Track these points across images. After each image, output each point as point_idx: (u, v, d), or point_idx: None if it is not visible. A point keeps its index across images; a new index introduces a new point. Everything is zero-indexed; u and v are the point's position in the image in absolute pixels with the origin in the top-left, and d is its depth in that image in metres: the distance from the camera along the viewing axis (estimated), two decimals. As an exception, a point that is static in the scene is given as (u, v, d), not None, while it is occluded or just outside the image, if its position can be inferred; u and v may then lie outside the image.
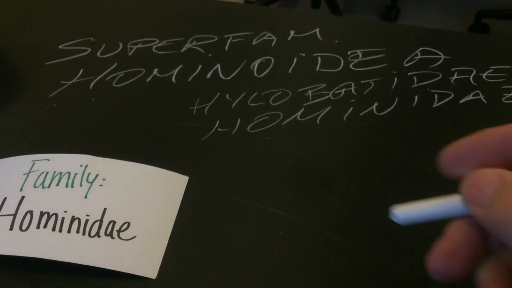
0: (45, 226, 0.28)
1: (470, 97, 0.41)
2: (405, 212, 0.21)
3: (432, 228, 0.20)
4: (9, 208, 0.29)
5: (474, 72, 0.43)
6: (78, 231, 0.28)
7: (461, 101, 0.40)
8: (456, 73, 0.43)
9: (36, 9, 0.51)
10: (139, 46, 0.46)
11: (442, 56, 0.45)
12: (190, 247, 0.29)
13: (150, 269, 0.28)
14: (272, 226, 0.30)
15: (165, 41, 0.46)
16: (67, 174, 0.31)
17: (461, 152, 0.19)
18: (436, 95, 0.41)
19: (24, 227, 0.28)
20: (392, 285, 0.28)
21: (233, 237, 0.30)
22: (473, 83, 0.42)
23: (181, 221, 0.30)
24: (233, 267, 0.28)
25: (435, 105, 0.40)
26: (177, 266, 0.28)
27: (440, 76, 0.43)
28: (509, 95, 0.41)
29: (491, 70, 0.43)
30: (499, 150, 0.18)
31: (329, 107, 0.39)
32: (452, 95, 0.41)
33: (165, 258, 0.28)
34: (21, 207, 0.29)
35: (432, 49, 0.46)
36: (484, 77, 0.43)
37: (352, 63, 0.44)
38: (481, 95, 0.41)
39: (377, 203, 0.32)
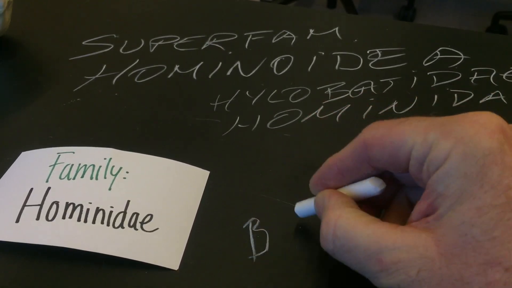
0: (70, 217, 0.29)
1: (490, 97, 0.41)
2: (300, 207, 0.30)
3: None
4: (35, 198, 0.30)
5: (494, 72, 0.43)
6: (102, 222, 0.29)
7: (481, 101, 0.40)
8: (476, 73, 0.43)
9: (60, 6, 0.52)
10: (160, 43, 0.46)
11: (462, 56, 0.45)
12: (211, 240, 0.29)
13: (172, 260, 0.28)
14: (292, 221, 0.30)
15: (186, 38, 0.47)
16: (92, 166, 0.32)
17: (315, 181, 0.28)
18: (456, 95, 0.41)
19: (50, 217, 0.29)
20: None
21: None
22: (494, 83, 0.42)
23: (202, 215, 0.31)
24: (253, 260, 0.28)
25: (454, 104, 0.40)
26: (199, 258, 0.28)
27: (460, 76, 0.43)
28: (530, 95, 0.41)
29: (512, 71, 0.43)
30: (337, 177, 0.27)
31: (349, 105, 0.40)
32: (472, 95, 0.41)
33: (187, 250, 0.29)
34: (47, 197, 0.30)
35: (452, 49, 0.46)
36: (504, 77, 0.43)
37: (372, 62, 0.45)
38: (501, 95, 0.41)
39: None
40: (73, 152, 0.33)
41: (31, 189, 0.31)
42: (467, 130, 0.21)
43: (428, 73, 0.43)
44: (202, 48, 0.46)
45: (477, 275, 0.19)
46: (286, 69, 0.44)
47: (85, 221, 0.29)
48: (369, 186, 0.25)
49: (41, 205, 0.30)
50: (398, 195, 0.27)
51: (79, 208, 0.30)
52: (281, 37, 0.48)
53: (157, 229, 0.29)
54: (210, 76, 0.42)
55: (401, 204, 0.27)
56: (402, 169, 0.24)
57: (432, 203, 0.22)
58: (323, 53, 0.46)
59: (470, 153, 0.20)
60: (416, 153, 0.22)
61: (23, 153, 0.34)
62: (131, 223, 0.29)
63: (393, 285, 0.21)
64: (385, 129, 0.24)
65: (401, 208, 0.27)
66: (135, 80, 0.42)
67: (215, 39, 0.47)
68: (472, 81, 0.43)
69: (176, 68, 0.43)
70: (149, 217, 0.30)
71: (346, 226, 0.23)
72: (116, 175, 0.32)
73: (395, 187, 0.27)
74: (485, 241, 0.19)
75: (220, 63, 0.44)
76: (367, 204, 0.27)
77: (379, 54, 0.46)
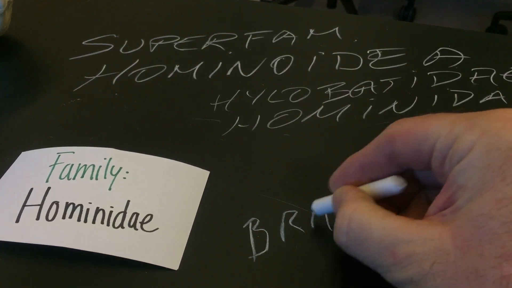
0: (70, 217, 0.29)
1: (490, 97, 0.41)
2: (317, 205, 0.29)
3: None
4: (35, 198, 0.30)
5: (495, 72, 0.43)
6: (102, 222, 0.29)
7: (481, 101, 0.40)
8: (476, 73, 0.43)
9: (60, 6, 0.52)
10: (160, 43, 0.46)
11: (462, 56, 0.45)
12: (211, 240, 0.29)
13: (172, 260, 0.28)
14: (292, 221, 0.30)
15: (186, 38, 0.47)
16: (92, 166, 0.32)
17: (335, 178, 0.28)
18: (456, 95, 0.41)
19: (50, 217, 0.29)
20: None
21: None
22: (494, 83, 0.42)
23: (202, 215, 0.31)
24: (253, 260, 0.28)
25: (455, 104, 0.40)
26: (198, 258, 0.28)
27: (460, 76, 0.43)
28: (530, 95, 0.41)
29: (512, 71, 0.43)
30: (358, 174, 0.26)
31: (349, 105, 0.40)
32: (472, 95, 0.41)
33: (187, 250, 0.29)
34: (47, 197, 0.30)
35: (452, 49, 0.46)
36: (504, 77, 0.43)
37: (372, 62, 0.45)
38: (501, 95, 0.41)
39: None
40: (73, 152, 0.33)
41: (31, 189, 0.31)
42: (493, 124, 0.21)
43: (428, 73, 0.43)
44: (202, 48, 0.46)
45: (492, 268, 0.19)
46: (286, 69, 0.44)
47: (85, 221, 0.29)
48: (390, 184, 0.25)
49: (41, 205, 0.30)
50: (418, 196, 0.27)
51: (79, 208, 0.30)
52: (281, 37, 0.48)
53: (157, 229, 0.29)
54: (210, 76, 0.42)
55: (421, 205, 0.27)
56: (425, 164, 0.23)
57: (451, 196, 0.21)
58: (323, 53, 0.46)
59: (494, 145, 0.20)
60: (440, 145, 0.22)
61: (23, 153, 0.34)
62: (131, 223, 0.29)
63: (406, 278, 0.21)
64: (410, 124, 0.24)
65: (420, 209, 0.26)
66: (135, 80, 0.42)
67: (215, 39, 0.47)
68: (472, 81, 0.43)
69: (176, 68, 0.43)
70: (149, 217, 0.30)
71: (361, 219, 0.23)
72: (116, 175, 0.32)
73: (416, 187, 0.27)
74: (503, 233, 0.19)
75: (220, 63, 0.44)
76: (385, 204, 0.26)
77: (379, 54, 0.46)
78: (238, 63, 0.44)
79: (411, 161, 0.24)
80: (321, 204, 0.29)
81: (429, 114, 0.24)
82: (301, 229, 0.30)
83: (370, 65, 0.44)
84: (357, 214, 0.24)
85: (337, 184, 0.27)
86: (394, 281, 0.22)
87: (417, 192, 0.27)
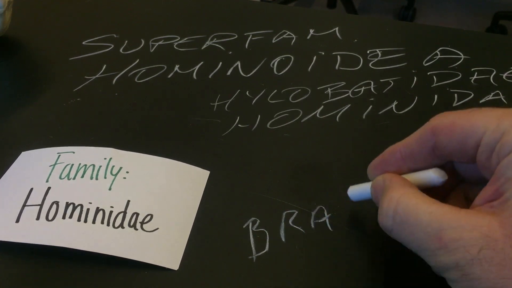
0: (70, 217, 0.29)
1: (490, 97, 0.41)
2: (353, 190, 0.30)
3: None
4: (35, 198, 0.30)
5: (494, 72, 0.43)
6: (102, 222, 0.29)
7: (481, 101, 0.40)
8: (476, 73, 0.43)
9: (60, 6, 0.52)
10: (160, 43, 0.46)
11: (462, 56, 0.45)
12: (211, 240, 0.29)
13: (172, 260, 0.28)
14: (292, 222, 0.30)
15: (186, 38, 0.47)
16: (92, 166, 0.32)
17: (375, 165, 0.28)
18: (456, 95, 0.41)
19: (50, 217, 0.29)
20: (400, 276, 0.28)
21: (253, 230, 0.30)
22: (493, 83, 0.42)
23: (203, 214, 0.31)
24: (253, 260, 0.28)
25: (455, 104, 0.40)
26: (198, 258, 0.28)
27: (460, 76, 0.43)
28: (530, 95, 0.41)
29: (512, 71, 0.43)
30: (398, 163, 0.27)
31: (349, 105, 0.40)
32: (472, 94, 0.41)
33: (187, 250, 0.29)
34: (47, 197, 0.30)
35: (452, 49, 0.46)
36: (504, 77, 0.43)
37: (372, 62, 0.45)
38: (501, 95, 0.41)
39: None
40: (73, 152, 0.33)
41: (31, 189, 0.31)
42: None
43: (428, 73, 0.43)
44: (202, 48, 0.46)
45: None
46: (286, 69, 0.44)
47: (85, 221, 0.29)
48: (432, 176, 0.25)
49: (41, 205, 0.30)
50: (456, 191, 0.27)
51: (79, 208, 0.30)
52: (281, 37, 0.48)
53: (157, 229, 0.29)
54: (210, 76, 0.42)
55: (459, 200, 0.27)
56: (469, 157, 0.24)
57: (499, 188, 0.22)
58: (323, 53, 0.46)
59: None
60: (487, 139, 0.22)
61: (23, 153, 0.34)
62: (131, 223, 0.29)
63: (451, 262, 0.21)
64: (455, 117, 0.24)
65: (459, 203, 0.26)
66: (135, 80, 0.42)
67: (215, 39, 0.47)
68: (472, 81, 0.43)
69: (176, 68, 0.43)
70: (149, 217, 0.30)
71: (408, 203, 0.23)
72: (116, 175, 0.32)
73: (454, 181, 0.27)
74: None
75: (220, 63, 0.44)
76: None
77: (379, 54, 0.46)
78: (238, 63, 0.44)
79: (454, 153, 0.25)
80: (358, 190, 0.29)
81: (473, 108, 0.24)
82: (301, 229, 0.30)
83: (370, 65, 0.44)
84: (405, 198, 0.24)
85: (376, 172, 0.28)
86: (438, 265, 0.22)
87: (455, 186, 0.27)
